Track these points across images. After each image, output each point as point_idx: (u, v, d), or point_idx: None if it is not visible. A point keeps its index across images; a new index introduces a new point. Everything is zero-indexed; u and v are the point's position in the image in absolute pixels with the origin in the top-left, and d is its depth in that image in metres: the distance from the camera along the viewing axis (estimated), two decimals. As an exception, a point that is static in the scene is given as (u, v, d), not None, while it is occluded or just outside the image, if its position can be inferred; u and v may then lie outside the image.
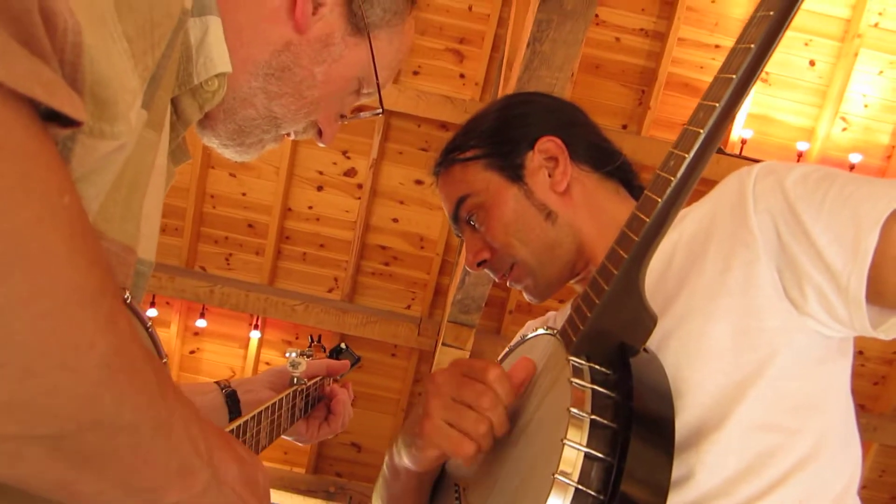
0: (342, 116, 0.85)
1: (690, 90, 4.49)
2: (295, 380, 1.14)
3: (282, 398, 1.05)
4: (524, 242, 0.95)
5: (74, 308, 0.36)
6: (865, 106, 4.44)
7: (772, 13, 0.57)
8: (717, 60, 4.41)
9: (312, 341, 1.37)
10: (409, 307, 5.02)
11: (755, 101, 4.41)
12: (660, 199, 0.62)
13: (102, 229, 0.53)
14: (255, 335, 5.11)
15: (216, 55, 0.65)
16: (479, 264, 1.00)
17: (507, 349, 0.98)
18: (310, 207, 4.83)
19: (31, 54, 0.36)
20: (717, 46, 4.40)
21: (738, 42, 0.60)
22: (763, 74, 4.40)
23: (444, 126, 4.56)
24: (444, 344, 3.83)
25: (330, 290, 5.00)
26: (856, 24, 4.26)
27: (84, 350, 0.37)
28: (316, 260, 4.95)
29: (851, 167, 4.35)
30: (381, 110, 0.88)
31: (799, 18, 4.28)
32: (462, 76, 4.53)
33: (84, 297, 0.37)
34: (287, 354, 1.16)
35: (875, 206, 0.66)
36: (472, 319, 3.68)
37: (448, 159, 1.01)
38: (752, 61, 0.58)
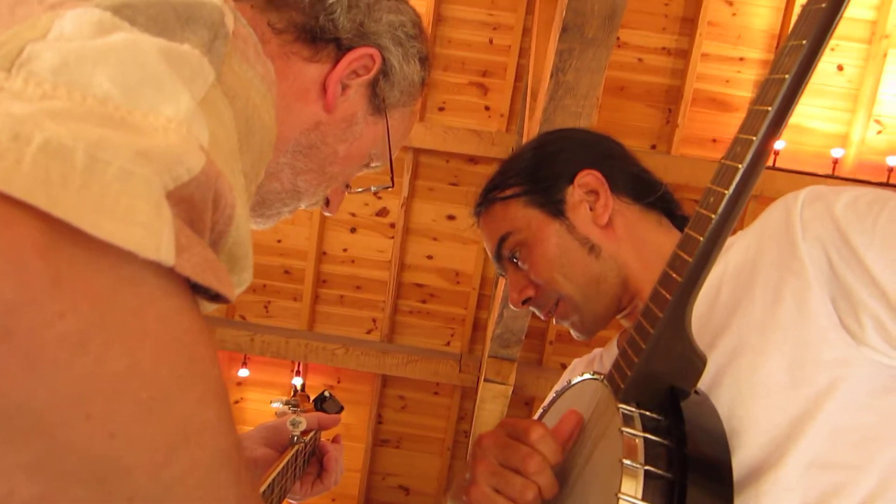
0: (347, 186, 0.88)
1: (718, 105, 4.44)
2: (295, 438, 1.11)
3: (288, 460, 1.02)
4: (568, 278, 0.94)
5: (219, 471, 0.39)
6: (900, 107, 4.34)
7: (804, 42, 0.55)
8: (743, 73, 4.37)
9: (296, 390, 1.34)
10: (448, 344, 4.99)
11: (785, 111, 4.34)
12: (701, 238, 0.60)
13: None
14: (297, 381, 5.12)
15: None
16: (523, 302, 0.98)
17: (552, 394, 0.95)
18: (344, 250, 4.85)
19: (193, 232, 0.39)
20: (741, 59, 4.36)
21: (771, 72, 0.59)
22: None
23: (472, 160, 4.57)
24: (486, 380, 3.78)
25: (369, 332, 5.00)
26: (882, 25, 4.19)
27: None
28: (353, 302, 4.96)
29: (890, 170, 4.24)
30: (391, 184, 0.92)
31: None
32: (487, 108, 4.54)
33: (224, 460, 0.40)
34: (274, 405, 1.13)
35: None
36: (512, 353, 3.63)
37: (488, 199, 1.01)
38: (788, 92, 0.57)
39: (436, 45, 4.42)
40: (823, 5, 0.55)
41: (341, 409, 1.33)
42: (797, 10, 4.13)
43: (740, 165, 0.58)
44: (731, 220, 0.59)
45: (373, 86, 0.79)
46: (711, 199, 0.60)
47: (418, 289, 4.90)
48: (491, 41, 4.44)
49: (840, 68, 4.30)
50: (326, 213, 0.89)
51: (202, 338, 0.39)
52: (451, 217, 4.73)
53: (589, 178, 0.95)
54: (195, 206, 0.40)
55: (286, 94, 0.73)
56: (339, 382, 5.16)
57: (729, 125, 4.45)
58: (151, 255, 0.34)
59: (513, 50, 4.41)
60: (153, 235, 0.35)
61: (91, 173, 0.34)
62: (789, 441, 0.68)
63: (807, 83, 0.57)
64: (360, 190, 0.92)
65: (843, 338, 0.69)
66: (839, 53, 4.27)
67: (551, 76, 2.33)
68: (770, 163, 4.44)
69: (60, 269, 0.32)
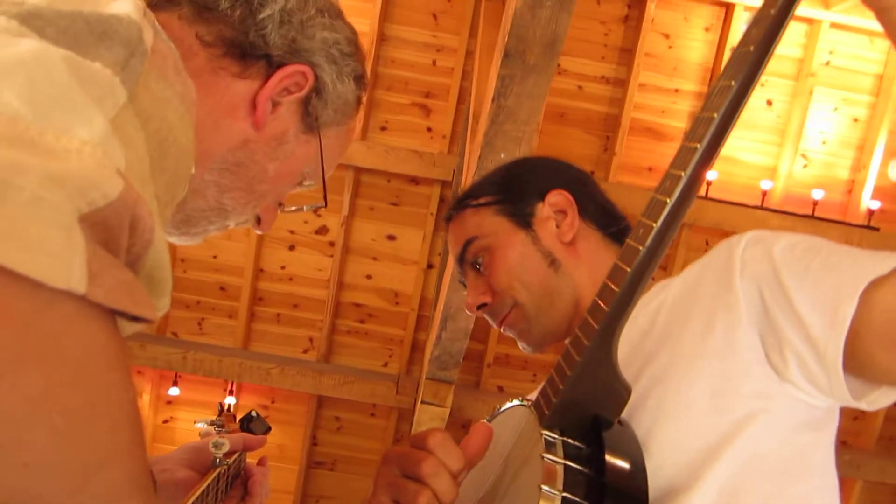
0: (280, 205, 0.86)
1: (654, 135, 4.56)
2: (218, 461, 1.07)
3: (209, 484, 0.99)
4: (525, 286, 0.96)
5: (130, 496, 0.40)
6: (823, 143, 4.54)
7: (733, 83, 0.57)
8: (678, 104, 4.50)
9: (222, 410, 1.30)
10: (386, 365, 4.95)
11: (718, 142, 4.49)
12: (629, 269, 0.61)
13: None
14: (230, 401, 4.99)
15: None
16: (479, 307, 1.00)
17: (484, 420, 0.96)
18: (282, 267, 4.78)
19: (109, 253, 0.39)
20: (676, 91, 4.50)
21: (702, 110, 0.61)
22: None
23: (413, 180, 4.58)
24: (423, 402, 3.76)
25: (305, 351, 4.92)
26: (808, 64, 4.38)
27: None
28: (290, 321, 4.88)
29: (815, 203, 4.42)
30: (324, 204, 0.89)
31: (754, 61, 4.42)
32: (429, 129, 4.56)
33: (136, 485, 0.40)
34: (198, 425, 1.10)
35: (856, 275, 0.65)
36: (450, 375, 3.62)
37: (461, 204, 1.04)
38: (716, 130, 0.59)
39: (379, 64, 4.43)
40: (752, 48, 0.57)
41: (268, 429, 1.30)
42: (730, 44, 4.29)
43: (668, 200, 0.60)
44: (658, 253, 0.61)
45: (305, 104, 0.77)
46: (640, 232, 0.62)
47: (357, 308, 4.86)
48: (434, 63, 4.47)
49: (769, 103, 4.47)
50: (258, 232, 0.87)
51: (118, 361, 0.38)
52: (391, 237, 4.71)
53: (559, 197, 0.99)
54: (111, 230, 0.39)
55: (213, 110, 0.70)
56: (273, 402, 5.06)
57: (664, 154, 4.58)
58: (61, 285, 0.34)
59: (456, 72, 4.45)
60: (63, 265, 0.34)
61: (2, 199, 0.33)
62: (704, 466, 0.69)
63: (734, 122, 0.59)
64: (293, 209, 0.90)
65: (767, 372, 0.71)
66: (768, 89, 4.45)
67: (493, 101, 2.35)
68: (702, 193, 4.57)
69: None
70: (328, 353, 4.90)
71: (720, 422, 0.70)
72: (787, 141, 4.49)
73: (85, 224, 0.36)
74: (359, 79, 0.82)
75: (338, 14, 0.81)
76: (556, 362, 0.71)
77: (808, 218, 4.31)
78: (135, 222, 0.41)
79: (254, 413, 1.30)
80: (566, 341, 0.98)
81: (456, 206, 1.06)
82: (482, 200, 1.02)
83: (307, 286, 4.80)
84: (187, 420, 5.12)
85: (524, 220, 0.99)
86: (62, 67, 0.41)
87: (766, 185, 4.47)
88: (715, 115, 0.58)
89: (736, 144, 4.51)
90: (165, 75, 0.51)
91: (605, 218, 1.02)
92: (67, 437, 0.34)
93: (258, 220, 0.84)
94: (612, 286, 0.63)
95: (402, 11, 4.39)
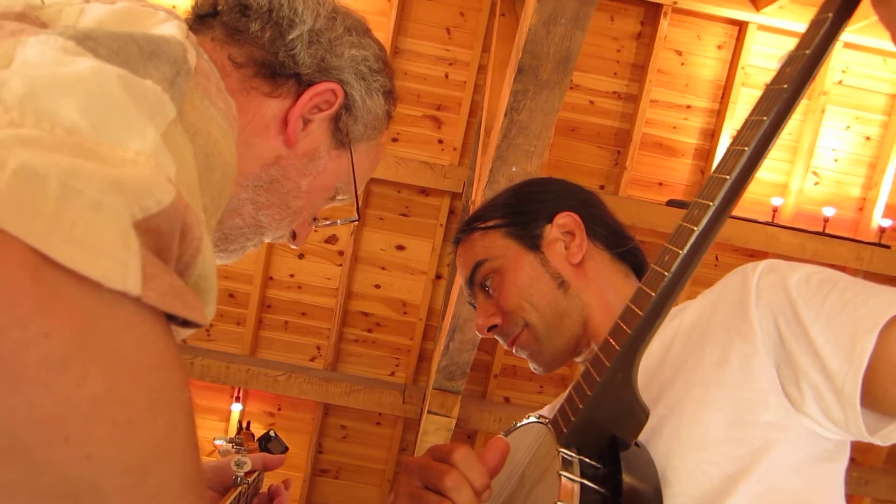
0: (315, 219, 0.88)
1: (664, 150, 4.57)
2: (239, 479, 1.08)
3: (231, 502, 1.00)
4: (535, 307, 0.97)
5: (185, 493, 0.41)
6: (835, 160, 4.54)
7: (765, 119, 0.59)
8: (690, 120, 4.51)
9: (241, 428, 1.32)
10: (392, 374, 4.96)
11: (728, 158, 4.49)
12: (654, 294, 0.62)
13: None
14: (236, 408, 5.01)
15: None
16: (489, 329, 1.01)
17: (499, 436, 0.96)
18: (291, 275, 4.80)
19: (160, 260, 0.40)
20: (688, 107, 4.51)
21: (733, 143, 0.62)
22: (734, 132, 4.52)
23: (423, 191, 4.60)
24: (429, 411, 3.77)
25: (312, 359, 4.94)
26: (821, 82, 4.39)
27: None
28: (298, 328, 4.90)
29: (826, 220, 4.41)
30: (356, 218, 0.91)
31: (767, 77, 4.41)
32: (440, 142, 4.58)
33: (191, 483, 0.41)
34: (217, 442, 1.11)
35: (873, 310, 0.66)
36: (457, 386, 3.63)
37: (469, 227, 1.05)
38: (747, 163, 0.60)
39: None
40: (785, 86, 0.58)
41: (286, 449, 1.31)
42: (742, 62, 4.29)
43: (696, 228, 0.61)
44: (683, 279, 0.62)
45: (335, 120, 0.79)
46: (666, 258, 0.63)
47: (364, 317, 4.87)
48: (447, 76, 4.49)
49: (781, 121, 4.48)
50: (293, 246, 0.88)
51: (175, 363, 0.40)
52: (400, 247, 4.73)
53: (568, 219, 1.00)
54: (163, 237, 0.40)
55: (246, 129, 0.73)
56: (279, 410, 5.07)
57: (675, 170, 4.59)
58: (118, 286, 0.35)
59: (468, 86, 4.47)
60: (120, 266, 0.36)
61: (63, 201, 0.34)
62: (721, 496, 0.70)
63: (765, 157, 0.60)
64: (327, 223, 0.91)
65: (782, 403, 0.71)
66: (780, 106, 4.45)
67: (505, 115, 2.37)
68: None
69: (47, 290, 0.33)
70: (335, 361, 4.92)
71: (737, 452, 0.71)
72: (799, 158, 4.49)
73: (139, 230, 0.38)
74: (388, 93, 0.85)
75: (365, 31, 0.83)
76: (574, 382, 0.71)
77: (819, 235, 4.31)
78: (185, 230, 0.43)
79: (272, 433, 1.32)
80: (578, 360, 1.00)
81: (464, 228, 1.06)
82: (491, 223, 1.03)
83: (316, 294, 4.82)
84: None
85: (533, 243, 0.99)
86: (117, 84, 0.43)
87: (776, 201, 4.47)
88: (746, 148, 0.60)
89: (747, 161, 4.51)
90: (209, 93, 0.54)
91: (612, 238, 1.02)
92: (127, 432, 0.36)
93: (293, 235, 0.86)
94: (636, 310, 0.64)
95: (415, 25, 4.43)
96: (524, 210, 1.02)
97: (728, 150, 0.63)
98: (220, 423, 5.11)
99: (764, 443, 0.71)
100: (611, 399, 0.67)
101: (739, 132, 0.63)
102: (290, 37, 0.75)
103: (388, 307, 4.84)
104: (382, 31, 4.38)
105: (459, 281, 3.12)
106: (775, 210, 4.45)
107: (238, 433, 1.26)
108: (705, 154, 4.53)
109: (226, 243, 0.79)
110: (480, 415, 4.55)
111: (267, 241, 0.83)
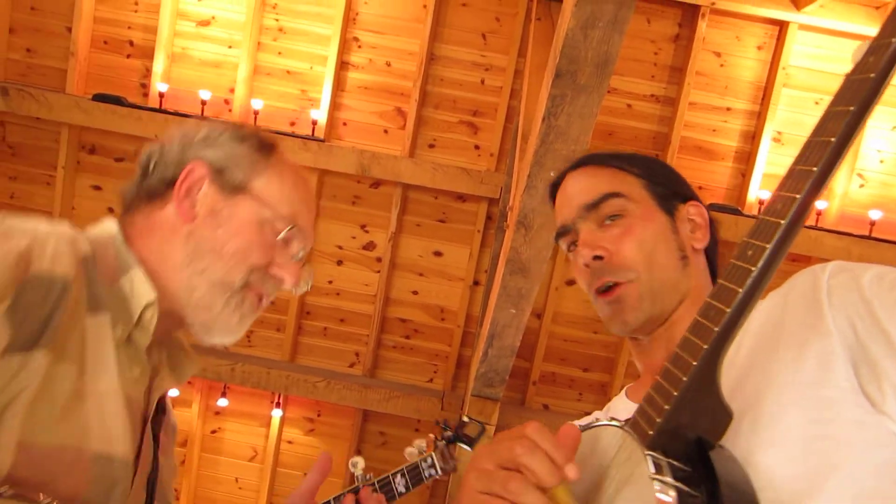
0: (296, 257, 1.00)
1: (704, 153, 4.51)
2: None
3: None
4: (652, 265, 0.94)
5: None
6: (881, 161, 4.43)
7: (851, 108, 0.58)
8: (730, 123, 4.45)
9: (441, 425, 1.38)
10: (431, 381, 4.96)
11: (770, 160, 4.42)
12: (740, 290, 0.61)
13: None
14: (276, 413, 5.06)
15: (143, 292, 0.88)
16: (595, 258, 0.96)
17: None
18: (329, 282, 4.84)
19: None
20: (728, 109, 4.45)
21: (815, 135, 0.62)
22: (775, 134, 4.40)
23: (461, 197, 4.60)
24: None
25: (351, 365, 4.97)
26: (865, 83, 4.29)
27: None
28: (337, 335, 4.93)
29: (872, 224, 4.31)
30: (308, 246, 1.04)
31: (809, 78, 4.32)
32: (477, 147, 4.59)
33: None
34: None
35: None
36: (496, 392, 3.62)
37: (607, 159, 1.02)
38: (832, 154, 0.60)
39: (427, 83, 4.48)
40: (872, 76, 0.58)
41: (483, 429, 1.35)
42: (783, 63, 4.22)
43: (782, 221, 0.61)
44: (769, 274, 0.61)
45: (214, 181, 0.95)
46: (750, 253, 0.62)
47: (402, 324, 4.89)
48: (483, 81, 4.50)
49: (824, 122, 4.38)
50: (295, 292, 1.01)
51: None
52: (437, 253, 4.74)
53: (700, 209, 1.00)
54: None
55: (159, 240, 0.93)
56: (319, 416, 5.11)
57: (714, 173, 4.52)
58: None
59: (504, 91, 4.47)
60: None
61: None
62: (807, 495, 0.68)
63: (850, 147, 0.60)
64: (300, 254, 1.02)
65: (862, 403, 0.70)
66: (824, 106, 4.35)
67: (543, 120, 2.36)
68: (754, 212, 4.49)
69: None
70: (374, 367, 4.94)
71: (816, 449, 0.69)
72: (844, 160, 4.39)
73: None
74: (241, 137, 0.99)
75: (198, 125, 1.01)
76: (654, 384, 0.70)
77: (865, 239, 4.20)
78: None
79: (466, 418, 1.35)
80: (644, 338, 0.97)
81: (598, 158, 1.03)
82: (633, 169, 1.00)
83: (354, 301, 4.85)
84: (234, 431, 5.20)
85: (668, 208, 0.98)
86: None
87: (821, 204, 4.37)
88: (832, 139, 0.59)
89: (787, 162, 4.42)
90: None
91: (713, 249, 1.02)
92: None
93: (282, 281, 0.98)
94: (720, 306, 0.63)
95: (451, 32, 4.44)
96: (664, 179, 1.01)
97: (809, 142, 0.62)
98: (262, 429, 5.17)
99: (847, 441, 0.69)
100: (695, 399, 0.65)
101: (821, 124, 0.62)
102: (150, 167, 0.97)
103: (426, 313, 4.85)
104: (418, 38, 4.41)
105: (497, 287, 3.13)
106: (819, 213, 4.36)
107: (444, 428, 1.33)
108: (746, 156, 4.46)
109: (213, 315, 0.93)
110: (519, 421, 4.52)
111: (247, 292, 0.95)
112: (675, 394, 0.65)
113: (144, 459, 0.92)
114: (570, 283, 4.67)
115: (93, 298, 0.83)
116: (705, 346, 0.63)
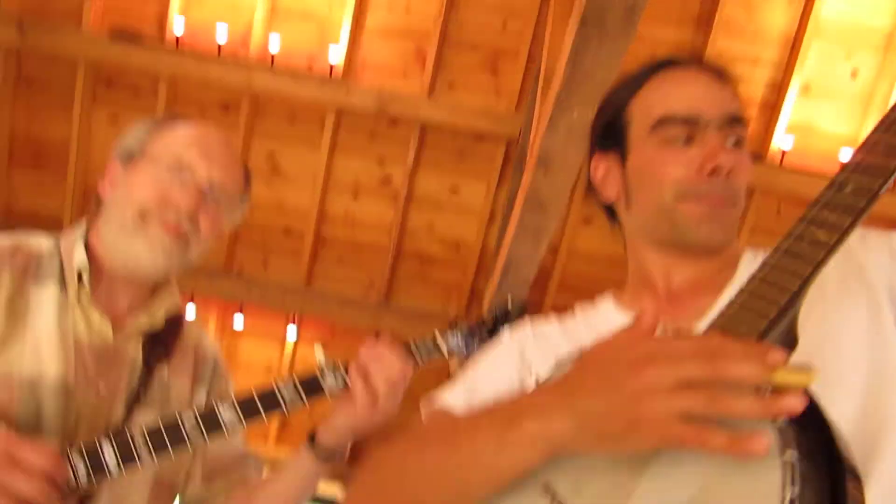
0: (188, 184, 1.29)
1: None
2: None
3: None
4: (742, 196, 0.96)
5: None
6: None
7: None
8: (757, 73, 4.38)
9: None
10: (444, 309, 5.06)
11: (795, 110, 4.36)
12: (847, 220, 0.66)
13: None
14: (291, 329, 5.17)
15: (79, 260, 1.22)
16: (715, 171, 0.92)
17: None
18: (346, 213, 4.89)
19: None
20: (755, 59, 4.38)
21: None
22: (802, 86, 4.31)
23: (479, 137, 4.59)
24: (481, 346, 3.84)
25: (366, 292, 5.07)
26: (896, 35, 4.21)
27: None
28: (352, 263, 5.02)
29: None
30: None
31: (837, 32, 4.22)
32: (497, 89, 4.55)
33: None
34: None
35: None
36: (508, 322, 3.65)
37: (733, 82, 1.00)
38: None
39: (448, 25, 4.40)
40: None
41: (524, 308, 1.38)
42: (815, 13, 4.10)
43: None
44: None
45: (120, 164, 1.30)
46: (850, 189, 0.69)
47: (418, 255, 4.95)
48: (505, 25, 4.43)
49: (854, 74, 4.31)
50: (203, 235, 1.28)
51: None
52: (454, 188, 4.76)
53: None
54: None
55: (99, 223, 1.31)
56: (333, 337, 5.22)
57: (737, 123, 4.47)
58: None
59: (525, 35, 4.40)
60: None
61: None
62: (868, 460, 0.69)
63: None
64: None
65: None
66: (855, 60, 4.28)
67: (567, 64, 2.36)
68: (777, 162, 4.41)
69: None
70: (388, 295, 5.03)
71: (886, 400, 0.72)
72: (872, 112, 4.34)
73: None
74: (147, 124, 1.33)
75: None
76: (741, 299, 0.67)
77: (892, 191, 4.18)
78: None
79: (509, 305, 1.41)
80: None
81: (728, 76, 1.00)
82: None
83: (370, 232, 4.91)
84: (249, 351, 5.37)
85: None
86: None
87: (846, 154, 4.33)
88: None
89: (813, 113, 4.38)
90: None
91: None
92: None
93: (178, 205, 1.23)
94: (824, 238, 0.66)
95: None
96: None
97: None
98: (277, 346, 5.34)
99: None
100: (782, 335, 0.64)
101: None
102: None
103: (441, 246, 4.91)
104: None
105: (515, 221, 3.08)
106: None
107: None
108: (771, 107, 4.41)
109: (128, 251, 1.24)
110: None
111: (150, 219, 1.22)
112: (782, 301, 0.63)
113: (115, 384, 1.20)
114: (587, 221, 4.68)
115: (36, 276, 1.20)
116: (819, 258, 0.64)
